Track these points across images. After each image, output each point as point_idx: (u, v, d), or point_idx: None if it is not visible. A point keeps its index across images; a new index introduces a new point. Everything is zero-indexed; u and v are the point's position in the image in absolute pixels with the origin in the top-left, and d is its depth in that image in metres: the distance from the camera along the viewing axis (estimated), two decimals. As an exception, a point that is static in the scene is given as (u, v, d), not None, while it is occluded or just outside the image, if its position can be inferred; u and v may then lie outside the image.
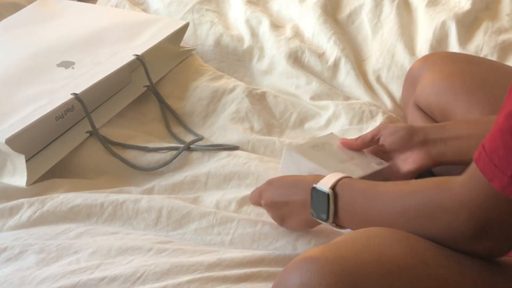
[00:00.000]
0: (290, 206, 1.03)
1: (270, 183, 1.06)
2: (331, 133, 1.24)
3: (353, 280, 0.74)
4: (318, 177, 0.98)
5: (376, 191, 0.91)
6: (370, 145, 1.15)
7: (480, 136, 1.05)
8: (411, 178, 1.10)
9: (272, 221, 1.12)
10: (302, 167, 1.12)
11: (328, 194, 0.94)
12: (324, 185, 0.95)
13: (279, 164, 1.23)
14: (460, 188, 0.79)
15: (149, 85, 1.40)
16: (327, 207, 0.94)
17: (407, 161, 1.11)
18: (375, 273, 0.75)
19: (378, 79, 1.49)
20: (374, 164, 1.12)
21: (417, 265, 0.78)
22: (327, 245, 0.80)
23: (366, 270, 0.75)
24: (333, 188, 0.94)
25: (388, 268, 0.77)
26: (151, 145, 1.29)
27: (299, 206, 1.01)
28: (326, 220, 0.95)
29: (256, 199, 1.08)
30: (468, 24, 1.55)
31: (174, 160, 1.26)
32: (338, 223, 0.96)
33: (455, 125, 1.11)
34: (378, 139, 1.14)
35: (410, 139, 1.11)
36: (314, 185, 0.96)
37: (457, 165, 1.13)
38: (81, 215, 1.13)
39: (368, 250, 0.78)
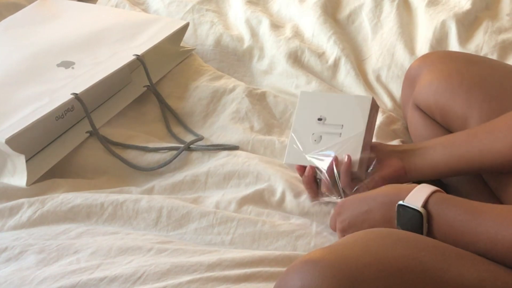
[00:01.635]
0: (369, 223, 0.98)
1: (342, 205, 1.03)
2: (301, 93, 1.23)
3: (354, 283, 0.74)
4: (398, 190, 0.95)
5: (480, 212, 0.86)
6: None
7: (454, 146, 1.06)
8: (382, 184, 1.11)
9: (272, 220, 1.12)
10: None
11: (421, 214, 0.89)
12: (414, 202, 0.90)
13: (279, 165, 1.23)
14: None
15: (149, 85, 1.40)
16: (420, 226, 0.90)
17: (380, 168, 1.12)
18: (375, 276, 0.75)
19: (378, 78, 1.49)
20: (363, 110, 1.13)
21: (416, 267, 0.78)
22: (327, 248, 0.80)
23: (366, 273, 0.75)
24: (425, 205, 0.90)
25: (389, 271, 0.76)
26: (151, 145, 1.29)
27: (380, 223, 0.96)
28: None
29: (333, 225, 1.06)
30: (468, 23, 1.55)
31: (174, 160, 1.26)
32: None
33: (428, 141, 1.13)
34: None
35: (387, 153, 1.13)
36: (402, 202, 0.92)
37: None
38: (81, 215, 1.13)
39: (369, 253, 0.78)
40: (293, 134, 1.16)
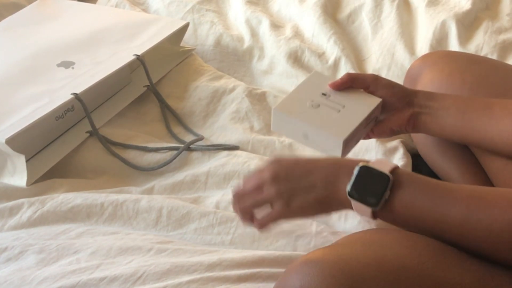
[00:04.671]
0: (308, 179, 0.89)
1: (279, 158, 0.93)
2: (314, 72, 1.15)
3: (353, 283, 0.74)
4: (351, 160, 0.89)
5: (445, 189, 0.83)
6: (358, 85, 1.09)
7: (467, 113, 1.06)
8: (389, 134, 1.10)
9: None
10: (296, 128, 1.05)
11: (388, 178, 0.83)
12: (380, 167, 0.85)
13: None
14: None
15: (149, 85, 1.40)
16: (381, 193, 0.83)
17: (391, 118, 1.09)
18: (375, 276, 0.75)
19: (378, 79, 1.49)
20: (368, 104, 1.07)
21: (416, 267, 0.78)
22: (327, 248, 0.80)
23: (366, 273, 0.75)
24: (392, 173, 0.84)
25: (388, 270, 0.76)
26: (151, 145, 1.30)
27: (320, 181, 0.88)
28: (374, 206, 0.83)
29: (255, 178, 0.93)
30: (468, 23, 1.55)
31: (174, 160, 1.26)
32: (380, 215, 0.85)
33: (447, 97, 1.09)
34: (369, 86, 1.09)
35: (403, 98, 1.08)
36: (366, 164, 0.85)
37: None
38: (81, 215, 1.13)
39: (369, 252, 0.78)
40: (294, 90, 1.09)
